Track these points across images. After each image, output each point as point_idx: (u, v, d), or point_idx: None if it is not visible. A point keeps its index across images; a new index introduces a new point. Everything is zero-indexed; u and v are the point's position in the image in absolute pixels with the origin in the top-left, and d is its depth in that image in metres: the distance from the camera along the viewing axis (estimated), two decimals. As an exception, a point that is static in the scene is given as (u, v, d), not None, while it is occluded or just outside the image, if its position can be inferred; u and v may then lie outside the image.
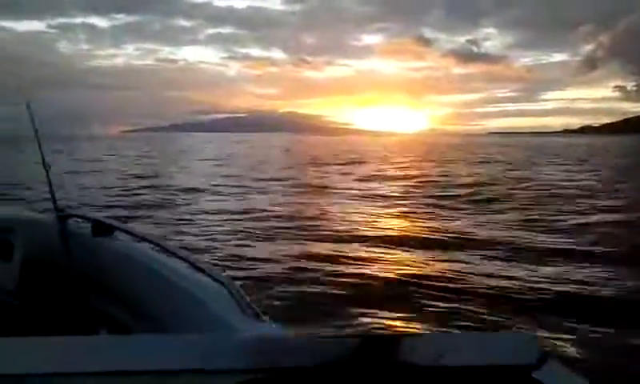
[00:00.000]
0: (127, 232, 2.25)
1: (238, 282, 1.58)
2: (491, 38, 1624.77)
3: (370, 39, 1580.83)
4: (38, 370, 0.67)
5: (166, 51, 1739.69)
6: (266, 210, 10.63)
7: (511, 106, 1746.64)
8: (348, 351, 0.73)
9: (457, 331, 4.73)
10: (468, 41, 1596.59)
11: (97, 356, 0.71)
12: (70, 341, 0.72)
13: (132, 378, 0.69)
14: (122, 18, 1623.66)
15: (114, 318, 2.00)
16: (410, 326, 5.03)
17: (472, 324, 5.03)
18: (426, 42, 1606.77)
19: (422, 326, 5.00)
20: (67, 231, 2.28)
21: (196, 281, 1.72)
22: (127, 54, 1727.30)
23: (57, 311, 2.08)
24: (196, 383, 0.70)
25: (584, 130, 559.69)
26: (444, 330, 4.82)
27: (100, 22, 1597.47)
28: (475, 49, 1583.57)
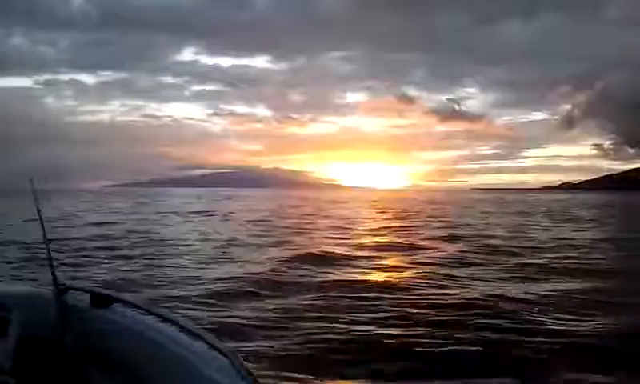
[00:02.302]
0: (126, 303, 2.24)
1: (240, 353, 1.54)
2: (472, 97, 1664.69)
3: (354, 97, 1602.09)
4: None
5: (152, 107, 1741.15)
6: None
7: (493, 163, 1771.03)
8: None
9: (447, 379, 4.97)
10: (449, 99, 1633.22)
11: None
12: None
13: None
14: (109, 75, 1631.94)
15: None
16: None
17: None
18: (409, 100, 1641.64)
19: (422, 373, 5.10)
20: (65, 304, 2.25)
21: (198, 352, 1.73)
22: (113, 110, 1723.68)
23: None
24: None
25: (562, 187, 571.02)
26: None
27: (87, 78, 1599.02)
28: (457, 107, 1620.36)
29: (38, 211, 2.47)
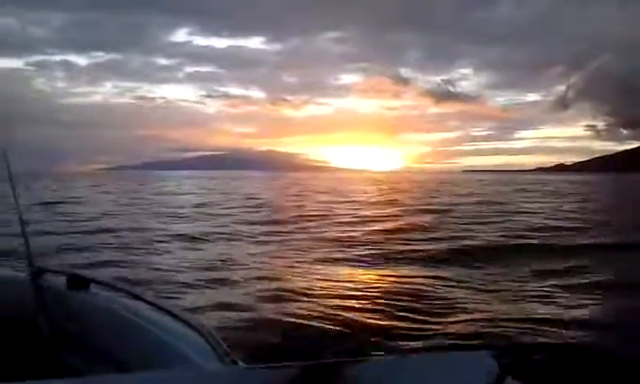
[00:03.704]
0: (104, 284, 2.21)
1: (219, 332, 1.56)
2: (467, 79, 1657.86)
3: (349, 78, 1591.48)
4: None
5: (145, 89, 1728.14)
6: None
7: (487, 145, 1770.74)
8: (290, 382, 0.69)
9: (404, 354, 4.48)
10: (444, 80, 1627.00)
11: None
12: None
13: None
14: (100, 56, 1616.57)
15: (91, 373, 1.84)
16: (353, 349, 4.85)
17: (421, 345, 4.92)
18: (404, 82, 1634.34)
19: (366, 349, 4.84)
20: (41, 286, 2.20)
21: (176, 332, 1.70)
22: (105, 92, 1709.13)
23: (31, 372, 1.88)
24: None
25: (556, 168, 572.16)
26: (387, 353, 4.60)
27: (78, 59, 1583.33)
28: (451, 88, 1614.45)
29: (13, 190, 2.38)
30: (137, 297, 1.95)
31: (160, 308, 1.80)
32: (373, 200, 30.14)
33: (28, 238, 2.27)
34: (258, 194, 34.11)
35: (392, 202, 26.61)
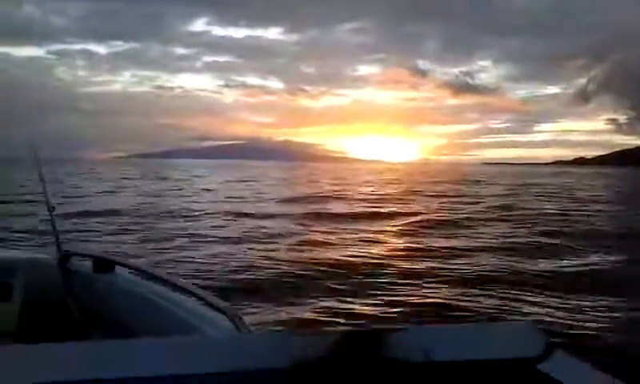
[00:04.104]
0: (129, 267, 2.27)
1: (244, 313, 1.65)
2: (485, 71, 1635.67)
3: (367, 69, 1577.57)
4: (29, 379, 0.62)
5: (163, 78, 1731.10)
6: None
7: (505, 137, 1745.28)
8: (328, 348, 0.65)
9: (449, 323, 4.19)
10: (462, 72, 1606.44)
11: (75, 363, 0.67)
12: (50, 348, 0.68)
13: None
14: (120, 45, 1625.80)
15: None
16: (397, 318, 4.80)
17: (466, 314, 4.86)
18: (422, 73, 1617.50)
19: (410, 319, 4.76)
20: (69, 269, 2.30)
21: (199, 311, 1.73)
22: (124, 81, 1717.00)
23: None
24: None
25: (576, 162, 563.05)
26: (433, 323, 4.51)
27: (98, 48, 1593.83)
28: (470, 80, 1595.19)
29: (41, 179, 2.50)
30: (160, 279, 2.02)
31: (183, 289, 1.85)
32: (435, 193, 27.66)
33: (55, 223, 2.39)
34: (299, 187, 33.36)
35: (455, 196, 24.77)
